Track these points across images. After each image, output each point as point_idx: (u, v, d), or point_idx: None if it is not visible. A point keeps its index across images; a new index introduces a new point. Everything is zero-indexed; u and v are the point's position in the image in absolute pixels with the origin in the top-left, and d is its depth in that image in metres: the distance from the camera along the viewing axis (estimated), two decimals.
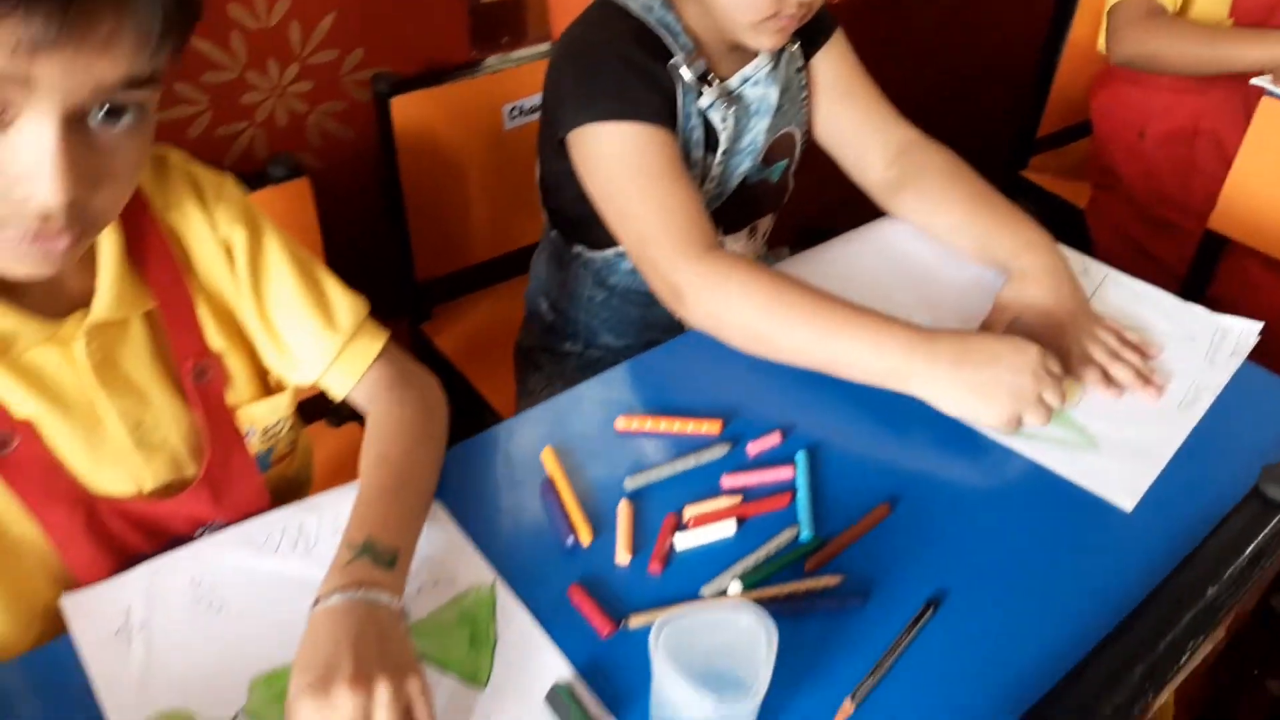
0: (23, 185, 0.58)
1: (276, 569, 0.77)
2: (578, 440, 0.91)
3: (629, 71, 1.02)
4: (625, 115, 1.00)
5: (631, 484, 0.86)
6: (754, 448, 0.89)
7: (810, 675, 0.72)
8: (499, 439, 0.92)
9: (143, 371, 0.78)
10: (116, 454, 0.77)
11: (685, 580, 0.78)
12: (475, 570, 0.78)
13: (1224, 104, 1.66)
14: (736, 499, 0.85)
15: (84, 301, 0.74)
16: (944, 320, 1.04)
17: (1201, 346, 1.02)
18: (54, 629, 0.74)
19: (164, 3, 0.58)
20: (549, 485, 0.85)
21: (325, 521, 0.81)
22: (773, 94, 1.13)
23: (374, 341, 0.90)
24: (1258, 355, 1.02)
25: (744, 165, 1.17)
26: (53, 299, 0.73)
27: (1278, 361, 1.02)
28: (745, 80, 1.11)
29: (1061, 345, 0.98)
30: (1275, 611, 0.86)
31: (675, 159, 1.02)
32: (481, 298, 1.67)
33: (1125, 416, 0.94)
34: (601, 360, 1.32)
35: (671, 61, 1.04)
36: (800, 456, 0.88)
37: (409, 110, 1.40)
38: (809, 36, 1.17)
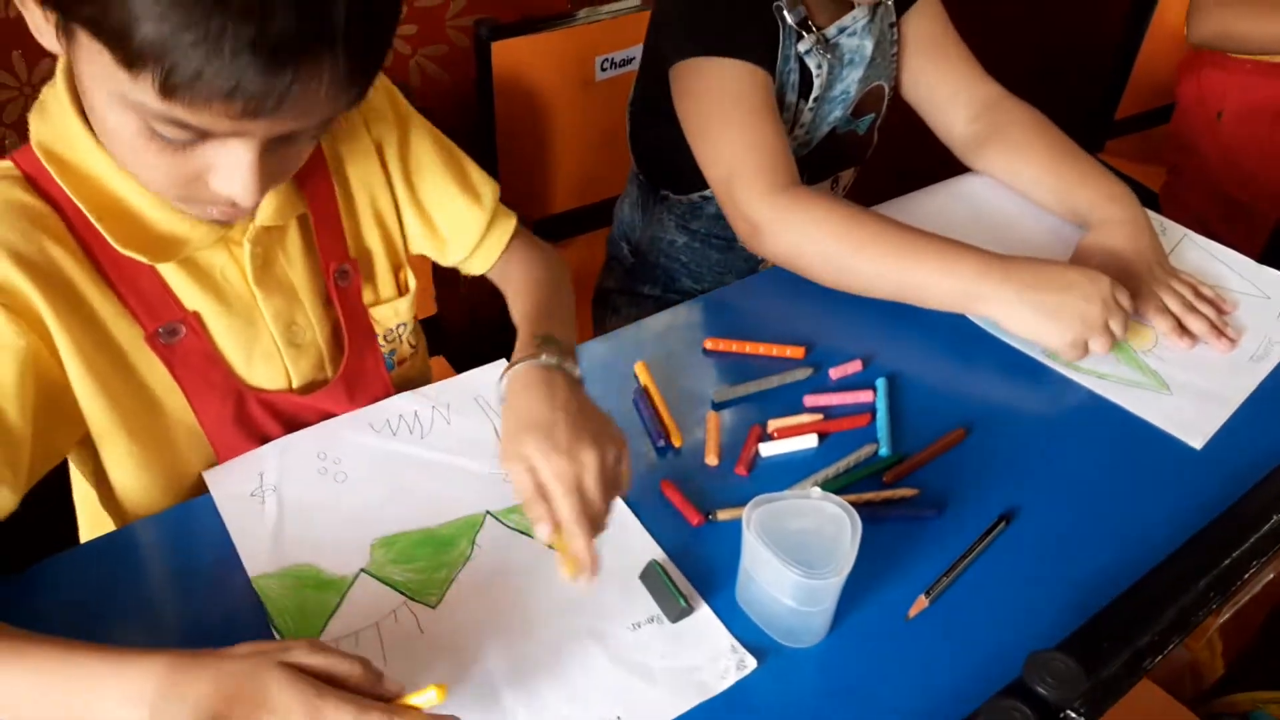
0: (218, 181, 0.66)
1: (394, 448, 0.84)
2: (667, 358, 0.96)
3: (736, 10, 1.06)
4: (729, 52, 1.04)
5: (719, 397, 0.91)
6: (835, 372, 0.94)
7: (886, 575, 0.77)
8: (594, 353, 0.97)
9: (296, 275, 0.84)
10: (268, 351, 0.84)
11: (769, 484, 0.83)
12: None
13: None
14: (818, 416, 0.89)
15: None
16: None
17: (1275, 305, 1.05)
18: (201, 487, 0.82)
19: (361, 70, 0.63)
20: (642, 393, 0.91)
21: (437, 410, 0.87)
22: (867, 45, 1.17)
23: (509, 219, 0.98)
24: None
25: (834, 114, 1.21)
26: None
27: None
28: (842, 30, 1.15)
29: (1139, 295, 1.01)
30: None
31: (770, 100, 1.07)
32: (562, 246, 1.72)
33: (1198, 365, 0.97)
34: (678, 304, 1.37)
35: (776, 4, 1.09)
36: (880, 382, 0.92)
37: (508, 56, 1.46)
38: None
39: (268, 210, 0.79)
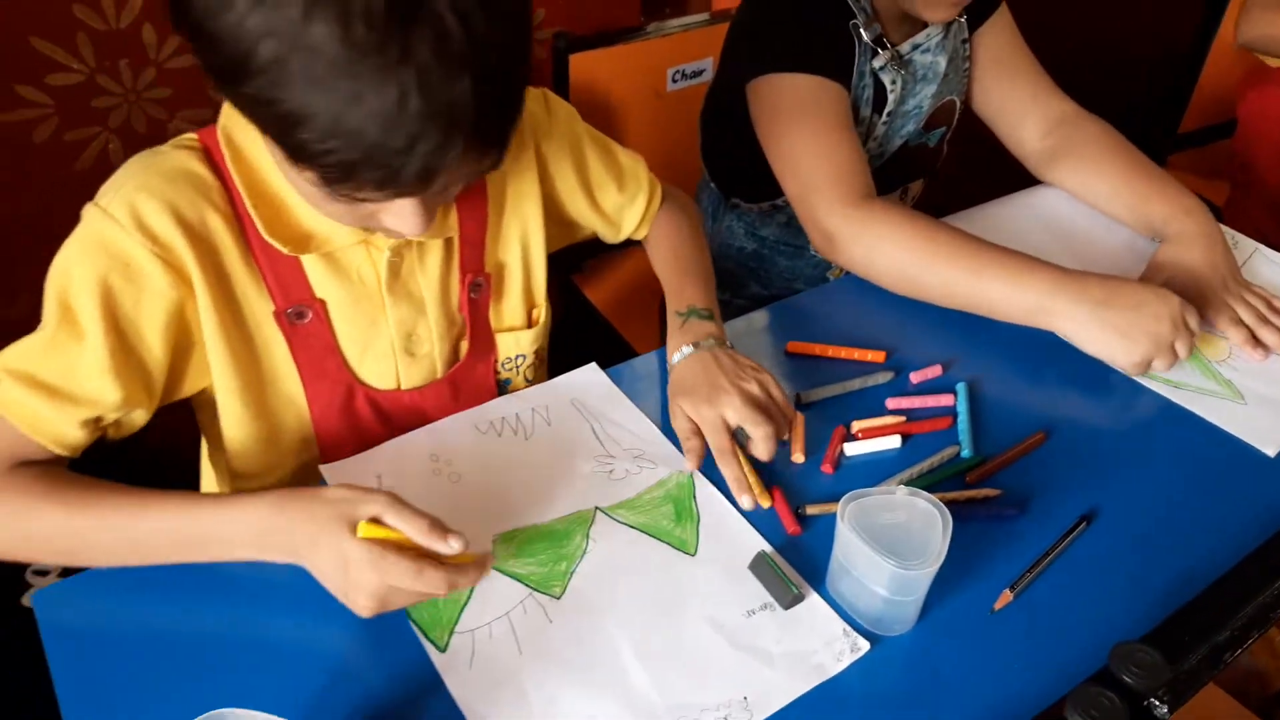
0: (390, 222, 0.74)
1: (501, 449, 0.88)
2: (752, 359, 1.00)
3: (814, 27, 1.11)
4: (807, 68, 1.08)
5: (804, 398, 0.95)
6: (916, 376, 0.98)
7: (971, 570, 0.80)
8: None
9: (428, 287, 0.89)
10: (383, 353, 0.89)
11: (853, 483, 0.86)
12: (673, 460, 0.88)
13: None
14: (901, 419, 0.93)
15: None
16: None
17: None
18: (297, 463, 0.90)
19: (501, 141, 0.69)
20: None
21: (536, 412, 0.92)
22: (940, 62, 1.21)
23: (655, 186, 1.08)
24: None
25: (907, 128, 1.24)
26: None
27: None
28: (916, 47, 1.19)
29: (1212, 307, 1.04)
30: None
31: (846, 114, 1.11)
32: (630, 254, 1.77)
33: (1271, 375, 1.00)
34: (746, 310, 1.42)
35: (853, 22, 1.13)
36: (960, 386, 0.96)
37: (584, 67, 1.51)
38: (975, 10, 1.24)
39: None
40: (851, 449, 0.90)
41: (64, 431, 0.76)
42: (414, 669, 0.71)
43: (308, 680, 0.70)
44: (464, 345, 0.94)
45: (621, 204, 1.05)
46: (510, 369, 0.98)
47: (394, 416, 0.92)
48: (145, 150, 0.80)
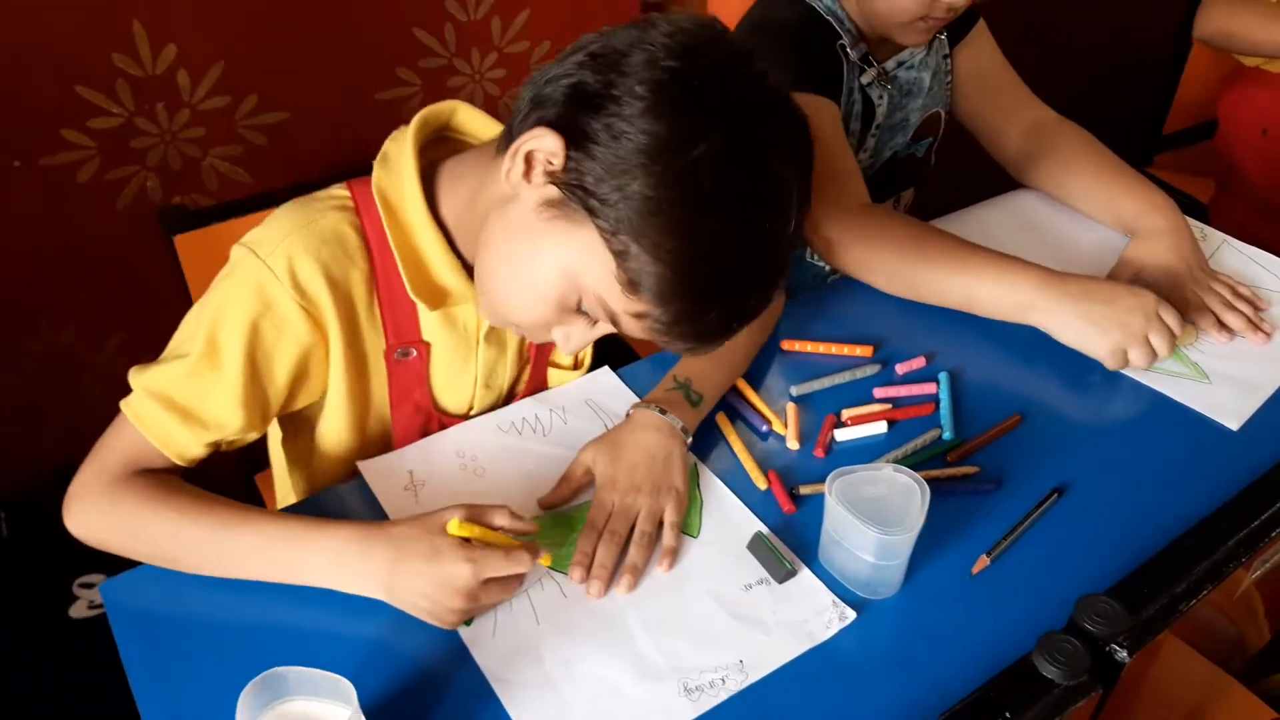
0: (561, 339, 0.82)
1: (522, 446, 0.96)
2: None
3: (805, 47, 1.18)
4: (800, 85, 1.16)
5: (798, 391, 1.02)
6: (901, 368, 1.05)
7: (952, 540, 0.87)
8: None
9: (511, 335, 0.98)
10: (465, 386, 0.99)
11: (844, 465, 0.93)
12: None
13: None
14: (887, 406, 1.00)
15: None
16: None
17: None
18: None
19: None
20: (735, 390, 1.02)
21: (554, 413, 1.00)
22: (924, 77, 1.29)
23: None
24: None
25: (895, 140, 1.32)
26: None
27: None
28: (901, 64, 1.26)
29: (1181, 296, 1.11)
30: None
31: (840, 128, 1.18)
32: None
33: (1235, 356, 1.07)
34: None
35: (840, 42, 1.21)
36: (942, 376, 1.03)
37: None
38: (954, 27, 1.32)
39: None
40: (842, 434, 0.97)
41: (189, 448, 0.85)
42: (445, 640, 0.79)
43: (351, 653, 0.77)
44: (524, 378, 1.03)
45: None
46: None
47: None
48: (302, 201, 0.88)
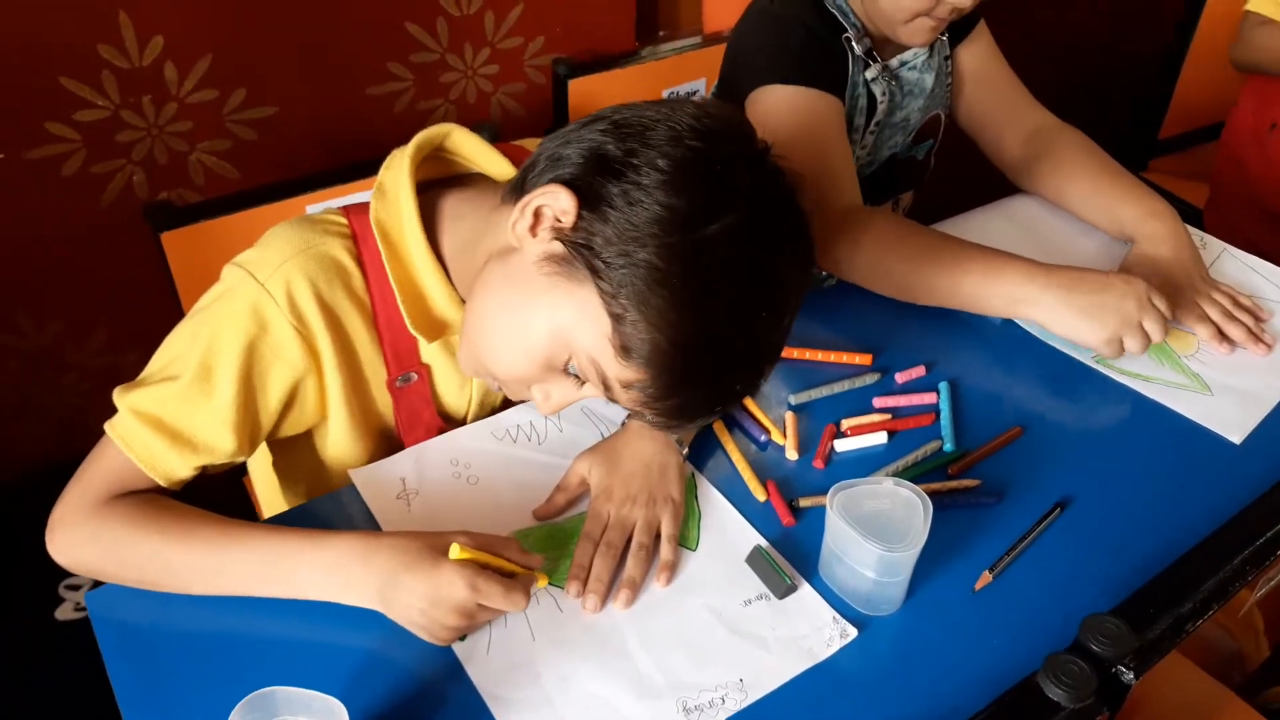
0: (540, 399, 0.80)
1: (516, 454, 0.94)
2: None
3: (811, 41, 1.17)
4: (803, 80, 1.14)
5: (796, 400, 1.01)
6: (901, 377, 1.04)
7: (953, 555, 0.86)
8: None
9: None
10: (462, 404, 0.97)
11: (844, 476, 0.90)
12: None
13: None
14: (887, 416, 0.99)
15: None
16: None
17: None
18: None
19: None
20: None
21: (550, 420, 0.98)
22: (927, 79, 1.27)
23: None
24: None
25: (895, 139, 1.31)
26: None
27: None
28: (904, 64, 1.25)
29: (1181, 305, 1.10)
30: None
31: (840, 125, 1.16)
32: None
33: (1237, 368, 1.06)
34: None
35: (845, 35, 1.19)
36: (943, 385, 1.02)
37: (582, 91, 1.58)
38: (955, 28, 1.30)
39: None
40: (841, 445, 0.96)
41: (176, 471, 0.83)
42: (438, 656, 0.77)
43: (342, 668, 0.76)
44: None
45: None
46: None
47: None
48: (299, 223, 0.87)
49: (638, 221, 0.70)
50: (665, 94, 1.70)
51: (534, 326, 0.76)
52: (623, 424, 0.93)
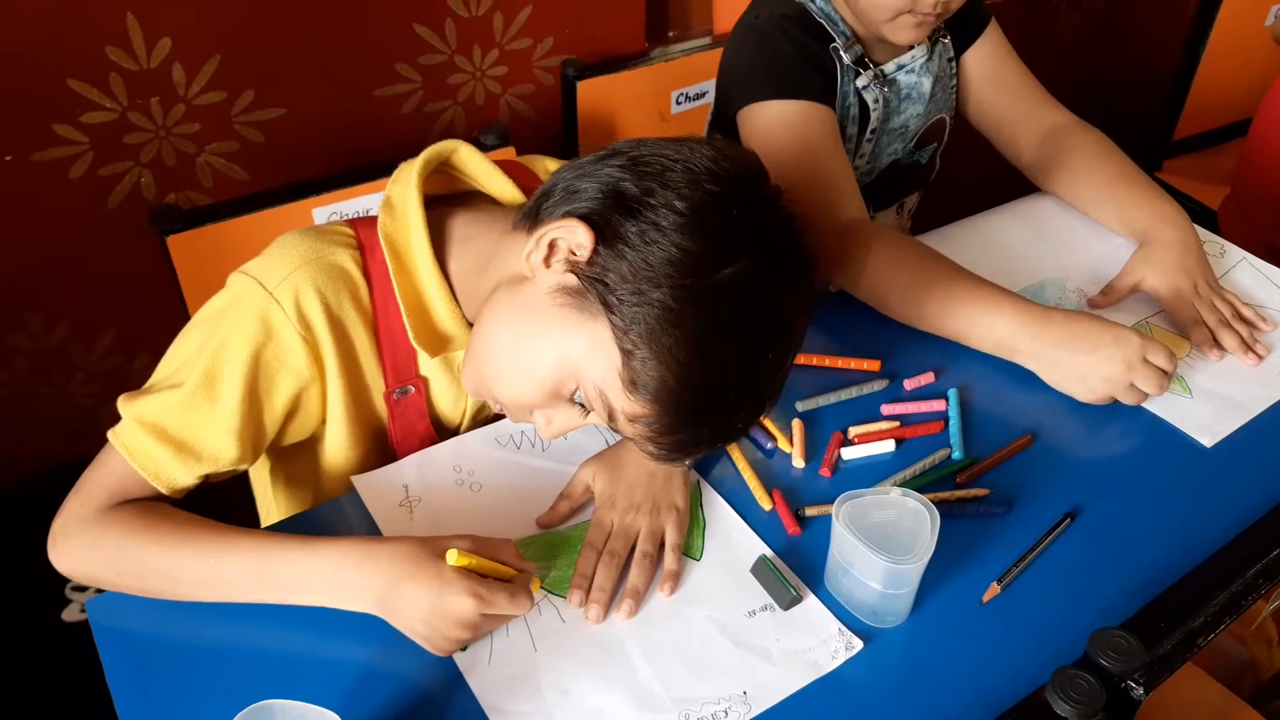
0: (543, 424, 0.80)
1: (519, 460, 0.94)
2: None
3: (797, 53, 1.15)
4: (792, 93, 1.13)
5: (803, 406, 1.00)
6: (910, 384, 1.03)
7: (961, 566, 0.85)
8: None
9: None
10: (456, 418, 0.97)
11: (850, 485, 0.90)
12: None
13: None
14: (895, 424, 0.98)
15: None
16: (1082, 285, 1.16)
17: None
18: None
19: None
20: None
21: None
22: (925, 83, 1.26)
23: None
24: None
25: (894, 146, 1.29)
26: None
27: None
28: (901, 67, 1.23)
29: (1181, 310, 1.09)
30: None
31: (834, 136, 1.15)
32: None
33: (1224, 374, 1.05)
34: None
35: (833, 45, 1.18)
36: (951, 393, 1.01)
37: (591, 93, 1.57)
38: (961, 31, 1.29)
39: None
40: (849, 453, 0.95)
41: (179, 480, 0.83)
42: (438, 667, 0.76)
43: (342, 678, 0.75)
44: None
45: None
46: None
47: None
48: (308, 233, 0.86)
49: (653, 261, 0.71)
50: (674, 95, 1.69)
51: (543, 355, 0.76)
52: None
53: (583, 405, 0.78)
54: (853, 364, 1.05)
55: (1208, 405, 1.01)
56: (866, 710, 0.75)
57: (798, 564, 0.85)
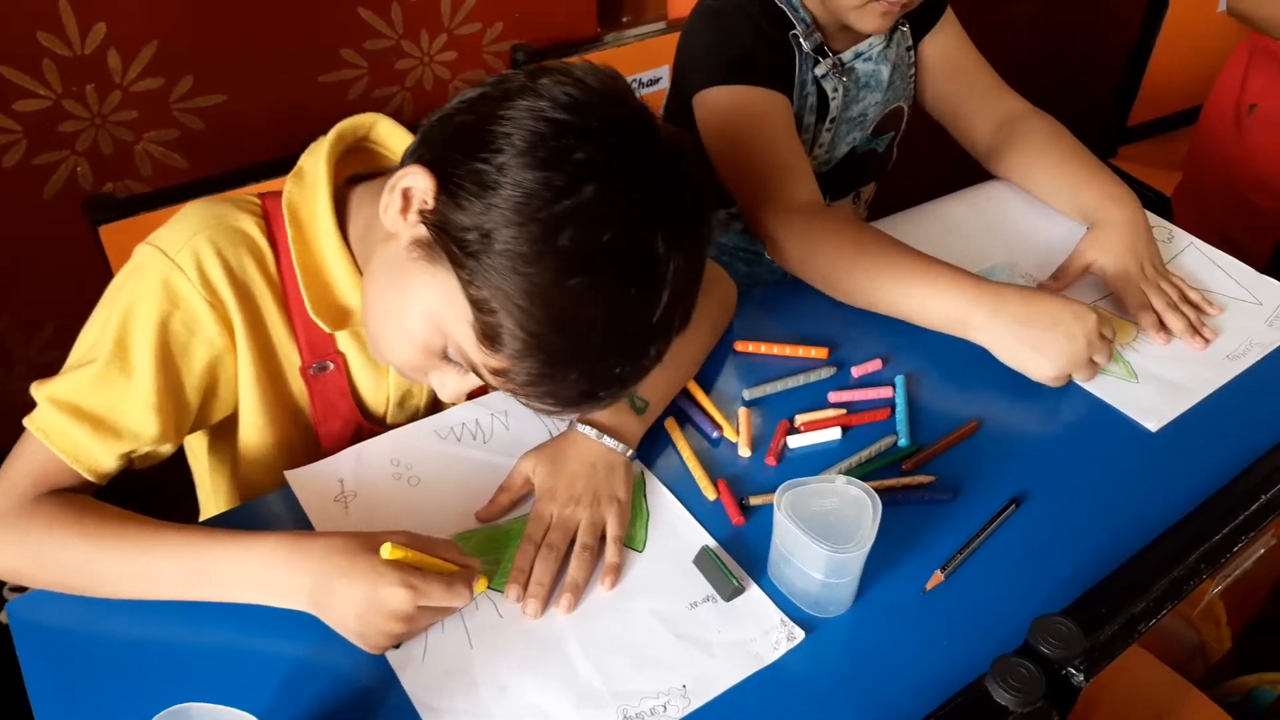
0: (440, 385, 0.78)
1: (460, 453, 0.91)
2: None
3: (755, 39, 1.14)
4: (750, 79, 1.12)
5: (750, 395, 0.99)
6: (857, 371, 1.02)
7: (905, 554, 0.84)
8: None
9: None
10: (380, 400, 0.95)
11: (797, 474, 0.88)
12: None
13: None
14: (842, 411, 0.97)
15: None
16: (1031, 270, 1.16)
17: (1265, 311, 1.11)
18: None
19: None
20: (685, 393, 0.98)
21: (496, 417, 0.95)
22: (883, 71, 1.25)
23: None
24: None
25: (852, 135, 1.28)
26: None
27: None
28: (859, 55, 1.22)
29: (1128, 292, 1.09)
30: None
31: (789, 123, 1.14)
32: None
33: (1170, 358, 1.05)
34: None
35: (792, 32, 1.16)
36: (899, 379, 1.00)
37: None
38: (918, 18, 1.28)
39: None
40: (795, 441, 0.94)
41: (101, 462, 0.80)
42: (371, 665, 0.74)
43: (269, 677, 0.73)
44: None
45: None
46: None
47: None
48: (209, 201, 0.85)
49: (492, 202, 0.66)
50: (628, 81, 1.67)
51: (410, 314, 0.74)
52: (570, 425, 0.90)
53: (443, 355, 0.75)
54: (800, 351, 1.04)
55: (1153, 389, 1.01)
56: (807, 701, 0.74)
57: (742, 554, 0.84)
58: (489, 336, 0.69)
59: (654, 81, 1.70)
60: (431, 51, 1.58)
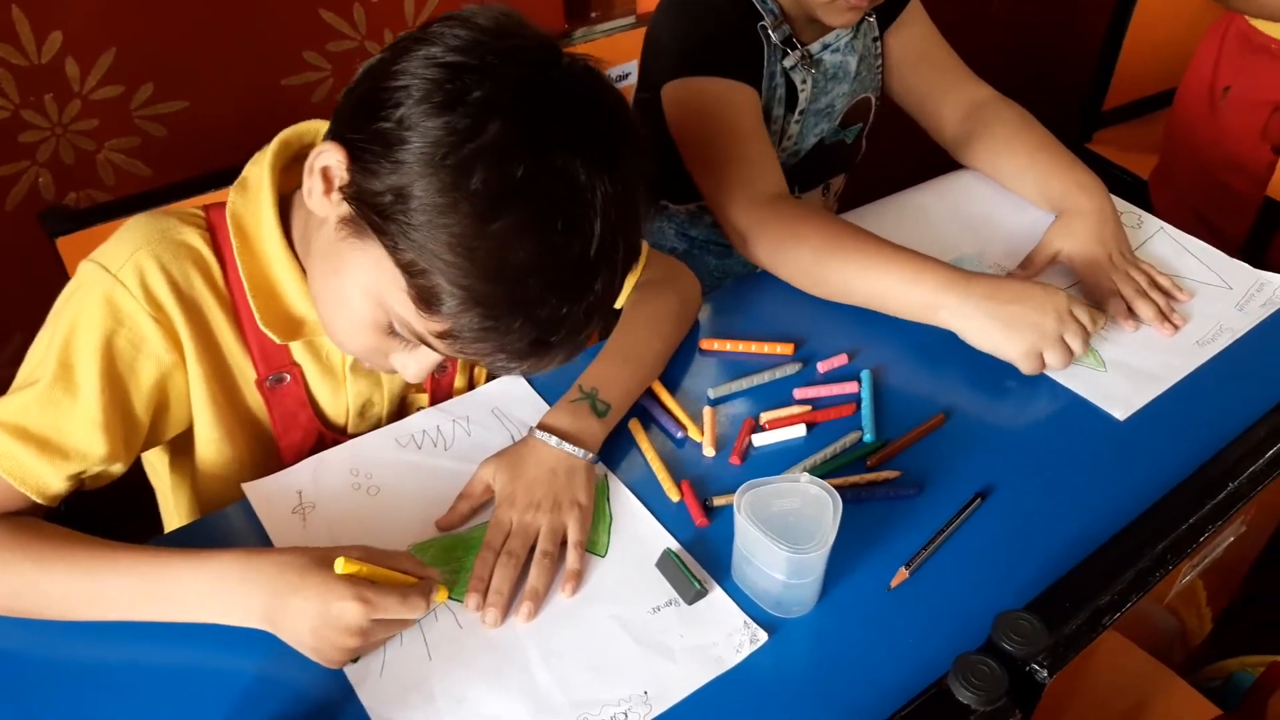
0: (401, 365, 0.78)
1: (420, 461, 0.90)
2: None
3: (723, 31, 1.13)
4: (717, 71, 1.11)
5: (715, 393, 0.97)
6: (823, 366, 1.01)
7: (870, 551, 0.83)
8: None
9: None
10: (340, 409, 0.93)
11: (761, 472, 0.87)
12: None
13: None
14: (807, 408, 0.96)
15: None
16: (999, 259, 1.15)
17: (1235, 295, 1.10)
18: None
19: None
20: (650, 393, 0.97)
21: (457, 423, 0.94)
22: (850, 62, 1.24)
23: (650, 257, 1.04)
24: None
25: (820, 126, 1.27)
26: None
27: None
28: (826, 47, 1.21)
29: (1096, 280, 1.08)
30: None
31: (757, 115, 1.13)
32: None
33: (1139, 346, 1.04)
34: None
35: (761, 24, 1.15)
36: (864, 374, 0.99)
37: None
38: (884, 9, 1.27)
39: None
40: (759, 440, 0.93)
41: (49, 483, 0.78)
42: (328, 680, 0.73)
43: (226, 695, 0.72)
44: (423, 398, 0.98)
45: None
46: None
47: None
48: (152, 215, 0.83)
49: (400, 158, 0.65)
50: None
51: (349, 294, 0.73)
52: (531, 429, 0.89)
53: (389, 331, 0.74)
54: (766, 348, 1.03)
55: (1121, 377, 1.00)
56: (770, 703, 0.73)
57: (706, 556, 0.83)
58: (424, 300, 0.67)
59: (624, 77, 1.68)
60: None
